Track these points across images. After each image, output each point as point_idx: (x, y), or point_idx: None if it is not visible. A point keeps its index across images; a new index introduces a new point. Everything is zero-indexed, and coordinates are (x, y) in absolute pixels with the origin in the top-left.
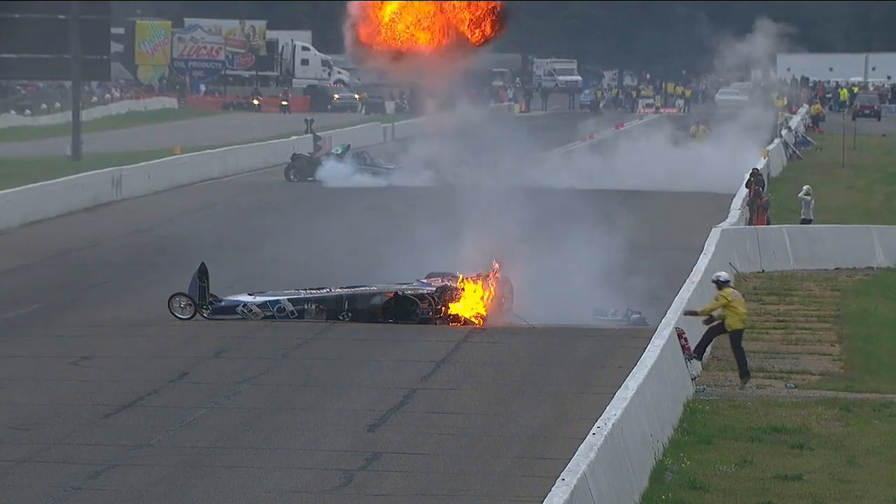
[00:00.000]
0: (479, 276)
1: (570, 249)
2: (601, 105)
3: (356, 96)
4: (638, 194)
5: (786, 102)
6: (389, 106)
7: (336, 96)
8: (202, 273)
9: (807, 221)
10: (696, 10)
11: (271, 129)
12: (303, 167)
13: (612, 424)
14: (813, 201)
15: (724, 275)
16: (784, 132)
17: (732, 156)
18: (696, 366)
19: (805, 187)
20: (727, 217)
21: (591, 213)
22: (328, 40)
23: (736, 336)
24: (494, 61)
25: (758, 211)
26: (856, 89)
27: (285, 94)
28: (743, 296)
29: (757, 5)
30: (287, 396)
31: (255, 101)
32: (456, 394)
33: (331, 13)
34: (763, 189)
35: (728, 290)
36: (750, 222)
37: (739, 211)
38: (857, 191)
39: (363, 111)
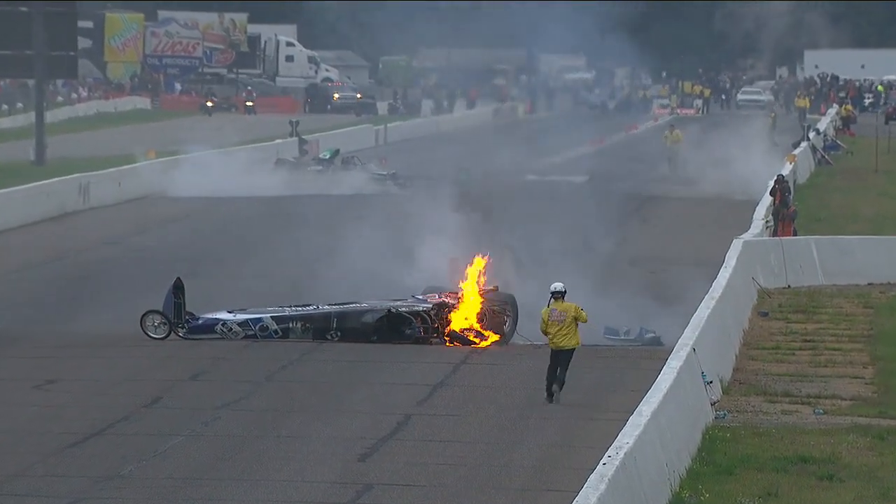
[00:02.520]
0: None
1: (580, 262)
2: (611, 106)
3: (357, 95)
4: (653, 200)
5: (809, 103)
6: (382, 107)
7: (336, 95)
8: (177, 288)
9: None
10: (715, 9)
11: (252, 132)
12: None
13: (625, 453)
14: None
15: (555, 286)
16: (812, 135)
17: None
18: (716, 390)
19: None
20: (750, 227)
21: (604, 222)
22: (315, 35)
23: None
24: (497, 57)
25: (784, 221)
26: (880, 88)
27: (249, 93)
28: (565, 316)
29: (785, 5)
30: (270, 423)
31: (209, 104)
32: (454, 420)
33: (317, 6)
34: (790, 197)
35: (546, 310)
36: (775, 233)
37: (763, 221)
38: (891, 199)
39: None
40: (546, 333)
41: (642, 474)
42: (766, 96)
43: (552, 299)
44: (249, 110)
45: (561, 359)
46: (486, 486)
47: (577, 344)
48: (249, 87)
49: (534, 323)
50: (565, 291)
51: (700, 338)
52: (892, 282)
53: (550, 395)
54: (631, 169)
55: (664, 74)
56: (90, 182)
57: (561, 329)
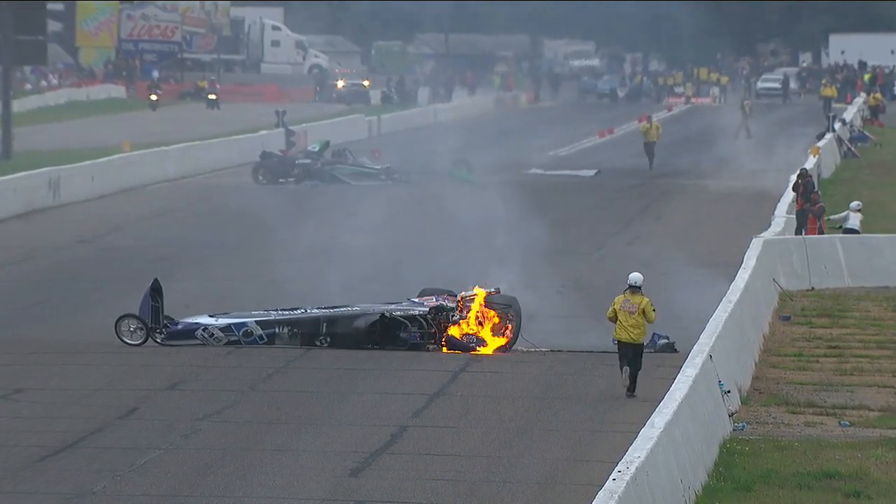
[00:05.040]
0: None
1: (587, 262)
2: (622, 94)
3: (365, 83)
4: (667, 196)
5: (835, 91)
6: (375, 95)
7: (340, 83)
8: (155, 291)
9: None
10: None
11: (236, 123)
12: (273, 167)
13: (636, 468)
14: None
15: (633, 277)
16: (838, 126)
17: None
18: (734, 400)
19: (855, 203)
20: (770, 225)
21: (613, 219)
22: (302, 19)
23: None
24: (498, 43)
25: (808, 218)
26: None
27: (213, 84)
28: (636, 308)
29: None
30: (255, 435)
31: (153, 97)
32: (453, 432)
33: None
34: (813, 192)
35: (620, 297)
36: (798, 231)
37: (785, 218)
38: None
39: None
40: (612, 320)
41: (655, 491)
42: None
43: (628, 290)
44: (212, 103)
45: (629, 355)
46: None
47: (643, 339)
48: (213, 78)
49: (536, 327)
50: (641, 286)
51: (717, 344)
52: None
53: (629, 388)
54: (642, 162)
55: (690, 68)
56: (61, 176)
57: (628, 320)
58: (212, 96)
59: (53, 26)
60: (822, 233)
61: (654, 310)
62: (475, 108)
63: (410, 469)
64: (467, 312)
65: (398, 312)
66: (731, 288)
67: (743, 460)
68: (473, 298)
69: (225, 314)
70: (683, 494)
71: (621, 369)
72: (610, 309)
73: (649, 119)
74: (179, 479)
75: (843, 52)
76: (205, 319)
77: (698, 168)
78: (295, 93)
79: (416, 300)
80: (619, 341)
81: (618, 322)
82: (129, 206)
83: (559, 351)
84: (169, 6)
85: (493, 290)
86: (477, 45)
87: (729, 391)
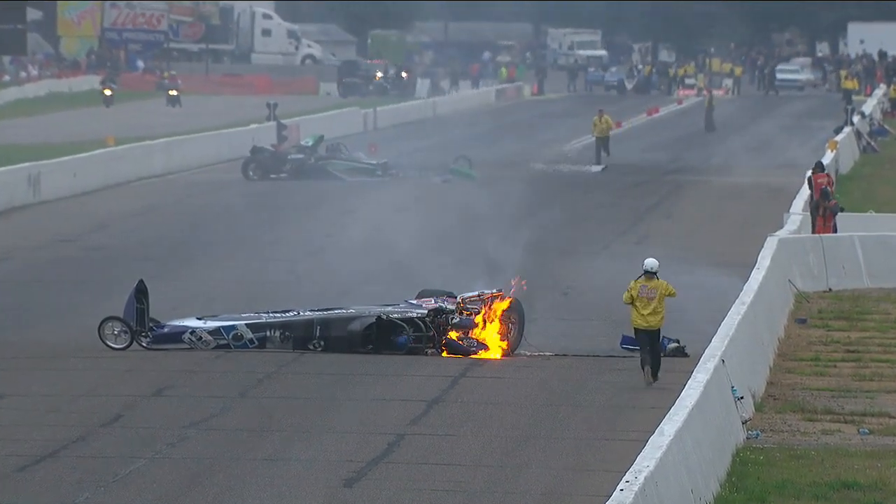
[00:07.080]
0: (480, 296)
1: (594, 262)
2: (629, 86)
3: (403, 74)
4: (677, 192)
5: (857, 84)
6: (423, 86)
7: (378, 74)
8: (140, 292)
9: None
10: None
11: (225, 116)
12: (265, 162)
13: (645, 478)
14: None
15: (649, 263)
16: (856, 119)
17: None
18: (748, 406)
19: None
20: (786, 223)
21: (621, 217)
22: (294, 8)
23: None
24: (499, 32)
25: (824, 216)
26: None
27: (173, 79)
28: (655, 293)
29: None
30: (245, 444)
31: (107, 92)
32: (452, 441)
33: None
34: (831, 189)
35: (637, 282)
36: (814, 230)
37: (801, 216)
38: None
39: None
40: (628, 304)
41: (664, 502)
42: (806, 74)
43: (643, 276)
44: (172, 100)
45: (649, 340)
46: None
47: (662, 323)
48: (174, 73)
49: (539, 330)
50: (657, 271)
51: (730, 348)
52: None
53: (653, 375)
54: (651, 158)
55: (702, 58)
56: (41, 172)
57: (647, 306)
58: (172, 92)
59: (33, 14)
60: (835, 231)
61: (672, 287)
62: (476, 100)
63: (408, 479)
64: (483, 315)
65: (395, 315)
66: (744, 289)
67: (757, 470)
68: (474, 300)
69: (214, 317)
70: None
71: (642, 364)
72: (627, 294)
73: (601, 113)
74: (165, 490)
75: (862, 42)
76: (192, 322)
77: (709, 164)
78: (293, 84)
79: (414, 302)
80: (637, 329)
81: (634, 311)
82: (113, 203)
83: (564, 355)
84: None
85: (493, 290)
86: (478, 33)
87: (742, 397)
